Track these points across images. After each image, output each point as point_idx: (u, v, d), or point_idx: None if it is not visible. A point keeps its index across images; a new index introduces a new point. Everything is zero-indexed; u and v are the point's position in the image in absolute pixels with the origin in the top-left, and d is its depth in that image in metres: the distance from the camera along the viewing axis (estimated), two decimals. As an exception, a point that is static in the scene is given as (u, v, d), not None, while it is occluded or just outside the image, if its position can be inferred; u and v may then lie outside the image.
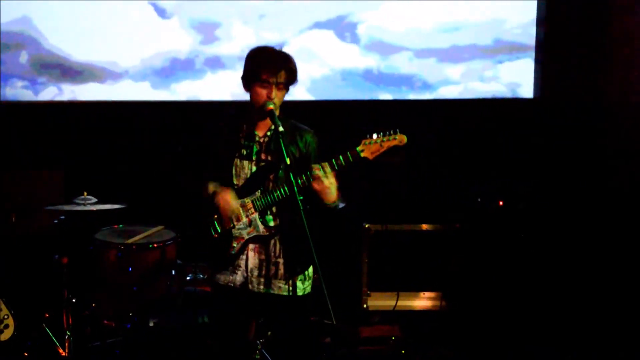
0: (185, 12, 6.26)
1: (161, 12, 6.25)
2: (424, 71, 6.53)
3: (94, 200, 5.35)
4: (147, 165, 6.28)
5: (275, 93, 3.90)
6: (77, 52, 6.21)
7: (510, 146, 6.66)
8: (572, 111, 6.66)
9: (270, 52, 3.97)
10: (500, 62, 6.61)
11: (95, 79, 6.26)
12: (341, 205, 4.01)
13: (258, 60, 3.95)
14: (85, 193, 5.36)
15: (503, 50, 6.58)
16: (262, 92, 3.91)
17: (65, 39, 6.18)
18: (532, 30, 6.58)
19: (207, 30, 6.29)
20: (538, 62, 6.70)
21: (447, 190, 6.48)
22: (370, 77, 6.50)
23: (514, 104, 6.73)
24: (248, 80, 3.97)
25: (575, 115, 6.65)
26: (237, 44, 6.28)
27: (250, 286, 4.02)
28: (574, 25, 6.63)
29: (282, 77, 3.90)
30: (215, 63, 6.32)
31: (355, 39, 6.42)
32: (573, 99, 6.67)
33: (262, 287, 4.01)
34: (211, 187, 4.00)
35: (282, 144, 3.78)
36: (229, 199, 3.94)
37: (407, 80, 6.52)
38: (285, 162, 3.77)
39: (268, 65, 3.90)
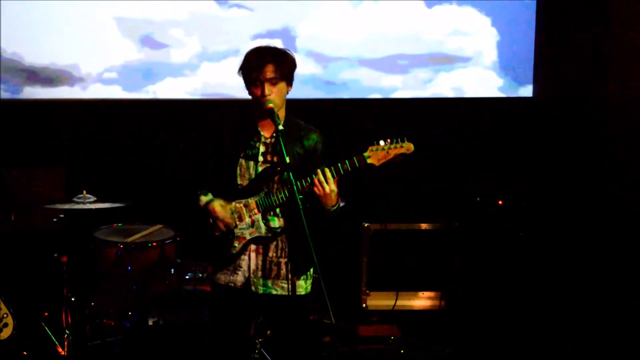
0: (134, 21, 6.31)
1: (116, 21, 6.32)
2: (367, 79, 6.59)
3: (93, 198, 5.35)
4: (147, 163, 6.27)
5: (269, 89, 3.87)
6: (35, 57, 6.24)
7: (510, 145, 6.66)
8: (572, 110, 6.66)
9: (255, 50, 3.96)
10: (438, 70, 6.65)
11: (64, 83, 6.27)
12: (341, 204, 4.01)
13: (245, 61, 3.95)
14: (85, 192, 5.36)
15: (438, 60, 6.65)
16: (256, 91, 3.90)
17: (21, 43, 6.22)
18: (458, 41, 6.65)
19: (154, 40, 6.34)
20: (537, 60, 6.71)
21: (447, 189, 6.48)
22: (318, 84, 6.54)
23: (514, 103, 6.74)
24: (245, 83, 3.97)
25: (575, 114, 6.65)
26: (185, 53, 6.39)
27: (253, 288, 4.01)
28: (573, 24, 6.64)
29: (270, 71, 3.87)
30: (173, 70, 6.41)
31: (295, 49, 6.42)
32: (572, 98, 6.67)
33: (264, 288, 4.01)
34: (203, 199, 3.99)
35: (281, 142, 3.78)
36: (223, 208, 3.94)
37: (349, 85, 6.59)
38: (285, 161, 3.76)
39: (254, 64, 3.89)
